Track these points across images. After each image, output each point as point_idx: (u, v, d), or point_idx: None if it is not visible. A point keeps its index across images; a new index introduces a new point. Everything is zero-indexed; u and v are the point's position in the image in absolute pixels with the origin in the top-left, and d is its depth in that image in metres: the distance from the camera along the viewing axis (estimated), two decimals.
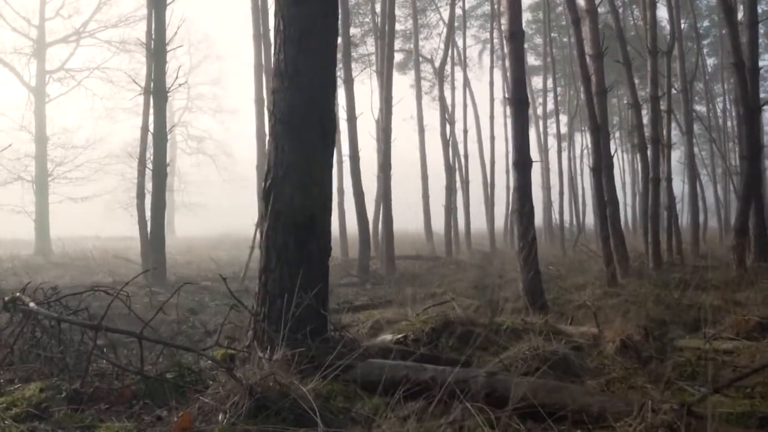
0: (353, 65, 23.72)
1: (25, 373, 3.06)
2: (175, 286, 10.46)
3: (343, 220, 16.79)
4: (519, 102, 7.09)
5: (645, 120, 14.95)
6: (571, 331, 4.19)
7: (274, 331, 3.11)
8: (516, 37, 7.09)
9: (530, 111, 28.09)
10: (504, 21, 9.14)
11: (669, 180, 14.14)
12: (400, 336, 3.68)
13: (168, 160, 11.05)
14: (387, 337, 3.81)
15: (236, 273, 14.13)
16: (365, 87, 30.13)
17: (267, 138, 3.41)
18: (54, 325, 3.08)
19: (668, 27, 17.45)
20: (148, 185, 12.03)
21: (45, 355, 3.00)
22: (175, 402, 2.51)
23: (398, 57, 23.79)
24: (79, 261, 14.54)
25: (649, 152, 12.51)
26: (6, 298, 3.35)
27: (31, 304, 2.99)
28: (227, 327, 6.14)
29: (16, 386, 2.85)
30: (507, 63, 23.61)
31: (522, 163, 7.12)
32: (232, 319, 6.34)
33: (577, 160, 26.45)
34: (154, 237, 10.55)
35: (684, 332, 4.51)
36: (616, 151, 17.69)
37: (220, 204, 31.45)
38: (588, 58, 10.20)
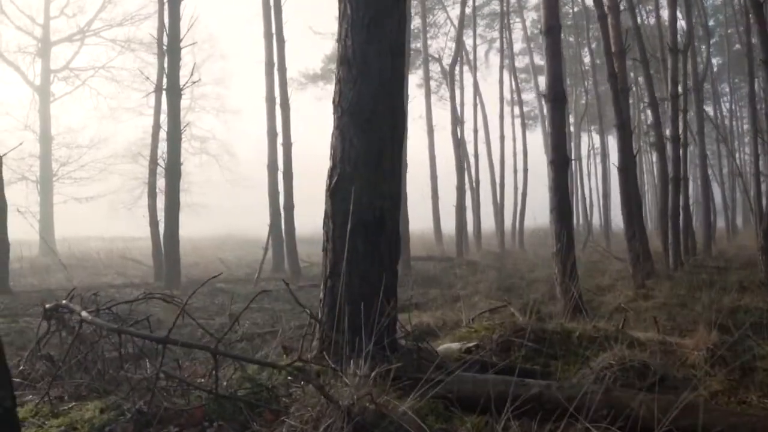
0: None
1: (74, 389, 2.78)
2: (188, 288, 10.24)
3: None
4: (556, 98, 6.86)
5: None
6: (641, 338, 3.94)
7: (347, 342, 2.84)
8: (553, 31, 6.85)
9: (537, 111, 27.91)
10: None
11: (685, 180, 13.95)
12: (471, 345, 3.42)
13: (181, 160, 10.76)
14: (453, 345, 3.55)
15: (248, 274, 13.86)
16: None
17: (333, 132, 3.14)
18: (102, 335, 2.80)
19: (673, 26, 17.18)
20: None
21: (97, 369, 2.72)
22: (256, 425, 2.23)
23: None
24: (87, 262, 14.21)
25: (669, 151, 12.30)
26: (47, 305, 3.08)
27: (84, 314, 2.71)
28: (260, 332, 5.89)
29: (69, 405, 2.57)
30: (515, 63, 23.43)
31: (559, 162, 6.90)
32: (253, 322, 6.07)
33: (584, 160, 26.22)
34: (168, 237, 10.25)
35: (757, 338, 4.26)
36: (638, 150, 17.47)
37: (222, 204, 31.13)
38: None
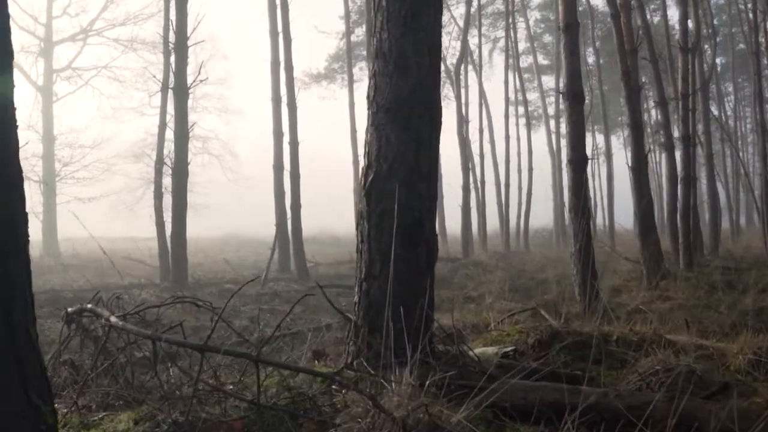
0: (362, 64, 23.41)
1: (102, 398, 2.66)
2: (195, 288, 10.11)
3: None
4: (574, 96, 6.75)
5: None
6: (678, 341, 3.82)
7: (385, 347, 2.72)
8: (571, 28, 6.75)
9: (540, 111, 27.82)
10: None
11: (695, 179, 13.86)
12: (508, 349, 3.30)
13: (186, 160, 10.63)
14: (488, 349, 3.43)
15: (254, 275, 13.73)
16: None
17: (368, 128, 3.02)
18: (130, 341, 2.67)
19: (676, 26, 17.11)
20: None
21: (125, 378, 2.60)
22: None
23: None
24: (91, 262, 14.06)
25: (680, 151, 12.20)
26: (70, 309, 2.95)
27: (113, 319, 2.59)
28: (278, 335, 5.75)
29: (98, 415, 2.44)
30: (520, 62, 23.34)
31: (578, 161, 6.79)
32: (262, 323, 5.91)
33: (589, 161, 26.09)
34: (175, 237, 10.13)
35: None
36: (649, 150, 17.40)
37: (224, 204, 31.02)
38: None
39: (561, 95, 7.29)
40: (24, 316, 1.48)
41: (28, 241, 1.57)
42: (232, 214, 34.03)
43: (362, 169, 3.05)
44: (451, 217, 20.38)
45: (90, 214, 21.55)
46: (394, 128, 2.94)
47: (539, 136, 30.49)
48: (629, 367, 3.19)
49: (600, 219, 25.38)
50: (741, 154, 30.81)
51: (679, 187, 12.10)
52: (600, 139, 26.57)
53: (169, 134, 11.48)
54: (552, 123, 25.26)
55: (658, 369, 3.03)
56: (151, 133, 21.86)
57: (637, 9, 13.24)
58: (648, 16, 20.48)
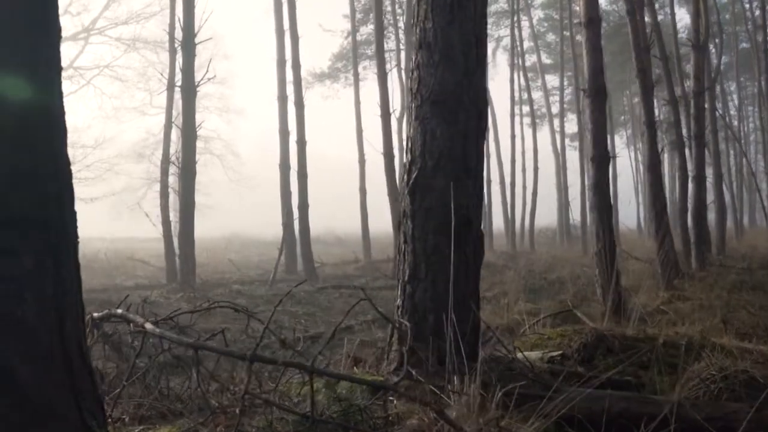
0: (366, 63, 23.22)
1: (134, 410, 2.49)
2: (203, 289, 9.93)
3: (366, 221, 16.22)
4: (597, 92, 6.60)
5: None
6: (724, 345, 3.67)
7: (433, 353, 2.57)
8: (593, 23, 6.60)
9: (544, 110, 27.68)
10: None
11: (704, 179, 13.73)
12: (555, 354, 3.15)
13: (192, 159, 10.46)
14: (532, 354, 3.27)
15: (260, 275, 13.56)
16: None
17: (411, 122, 2.86)
18: (164, 348, 2.51)
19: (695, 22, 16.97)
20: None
21: (160, 388, 2.44)
22: None
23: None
24: (95, 263, 13.87)
25: (692, 150, 12.09)
26: (96, 315, 2.79)
27: (148, 325, 2.43)
28: (299, 337, 5.58)
29: (135, 429, 2.28)
30: (525, 60, 23.18)
31: (599, 159, 6.64)
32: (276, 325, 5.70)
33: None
34: (183, 237, 9.95)
35: None
36: (663, 149, 17.24)
37: (225, 204, 30.86)
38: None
39: (582, 92, 7.15)
40: (76, 327, 1.33)
41: (77, 243, 1.41)
42: (232, 213, 33.83)
43: (404, 165, 2.89)
44: None
45: (92, 214, 21.36)
46: (440, 122, 2.79)
47: (543, 135, 30.34)
48: (683, 372, 3.04)
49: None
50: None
51: (690, 185, 11.98)
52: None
53: (173, 133, 11.33)
54: (556, 122, 25.12)
55: (713, 374, 2.88)
56: (152, 132, 21.67)
57: (647, 6, 13.13)
58: (671, 11, 20.38)
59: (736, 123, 27.69)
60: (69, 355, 1.28)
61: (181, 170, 10.08)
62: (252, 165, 30.90)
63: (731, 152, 26.20)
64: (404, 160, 2.88)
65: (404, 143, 2.95)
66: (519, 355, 3.10)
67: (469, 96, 2.83)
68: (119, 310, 2.77)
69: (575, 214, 22.28)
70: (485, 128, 2.95)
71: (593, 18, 6.60)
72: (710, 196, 18.12)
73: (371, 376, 2.62)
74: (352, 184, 19.12)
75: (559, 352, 3.18)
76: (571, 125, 27.40)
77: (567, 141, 25.94)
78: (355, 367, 3.06)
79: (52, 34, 1.46)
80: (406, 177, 2.88)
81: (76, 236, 1.41)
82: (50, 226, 1.27)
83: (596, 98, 6.58)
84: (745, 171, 26.34)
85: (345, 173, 26.51)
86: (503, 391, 2.15)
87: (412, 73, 2.90)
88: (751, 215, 31.66)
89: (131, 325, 2.59)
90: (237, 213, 32.32)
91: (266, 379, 3.04)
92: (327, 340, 2.57)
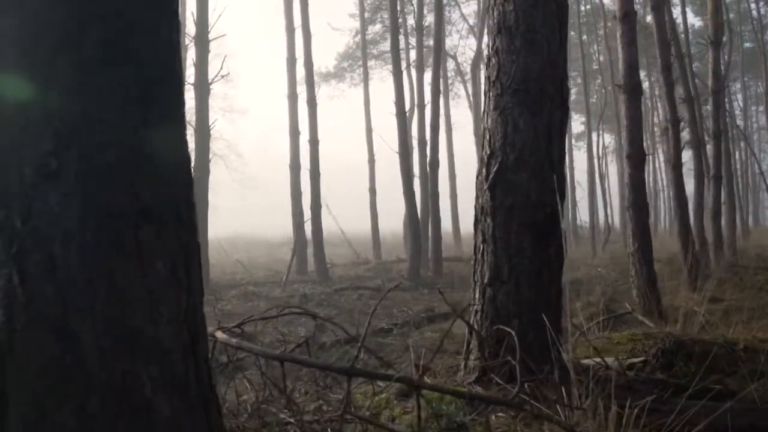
0: (372, 63, 23.01)
1: None
2: (218, 291, 9.68)
3: (376, 221, 16.01)
4: (632, 89, 6.44)
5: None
6: None
7: (520, 362, 2.36)
8: (629, 17, 6.43)
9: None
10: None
11: (721, 178, 13.59)
12: (636, 361, 2.95)
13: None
14: (608, 359, 3.08)
15: (269, 276, 13.32)
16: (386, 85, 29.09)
17: (489, 113, 2.66)
18: (231, 359, 2.30)
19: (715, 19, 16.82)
20: None
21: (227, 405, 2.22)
22: None
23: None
24: None
25: (709, 148, 11.95)
26: None
27: (219, 334, 2.22)
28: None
29: None
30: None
31: (635, 157, 6.47)
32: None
33: (595, 160, 25.85)
34: None
35: None
36: (683, 146, 17.10)
37: (227, 204, 30.59)
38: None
39: (617, 87, 6.96)
40: (204, 345, 1.12)
41: (199, 248, 1.20)
42: (235, 214, 33.55)
43: (483, 158, 2.69)
44: (465, 218, 20.06)
45: None
46: (523, 112, 2.59)
47: None
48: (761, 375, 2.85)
49: (617, 218, 25.15)
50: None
51: (708, 185, 11.84)
52: (609, 138, 26.32)
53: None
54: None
55: None
56: None
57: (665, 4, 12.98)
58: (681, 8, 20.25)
59: (740, 123, 27.57)
60: (202, 382, 1.07)
61: (195, 170, 9.86)
62: (253, 165, 30.61)
63: (736, 152, 26.09)
64: (482, 153, 2.69)
65: (481, 138, 2.74)
66: (612, 362, 2.90)
67: (554, 84, 2.63)
68: None
69: (583, 215, 22.14)
70: (567, 118, 2.76)
71: (628, 12, 6.42)
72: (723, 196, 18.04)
73: (462, 388, 2.41)
74: (361, 184, 18.94)
75: (641, 358, 2.98)
76: (576, 125, 27.25)
77: (572, 141, 25.83)
78: (425, 377, 2.85)
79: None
80: (484, 171, 2.68)
81: (198, 242, 1.21)
82: (183, 224, 1.06)
83: (632, 95, 6.41)
84: (750, 171, 26.26)
85: (351, 173, 26.28)
86: (619, 405, 1.95)
87: (490, 60, 2.70)
88: (755, 215, 31.64)
89: (213, 336, 2.38)
90: (239, 213, 32.06)
91: (320, 386, 2.83)
92: (434, 352, 2.35)
